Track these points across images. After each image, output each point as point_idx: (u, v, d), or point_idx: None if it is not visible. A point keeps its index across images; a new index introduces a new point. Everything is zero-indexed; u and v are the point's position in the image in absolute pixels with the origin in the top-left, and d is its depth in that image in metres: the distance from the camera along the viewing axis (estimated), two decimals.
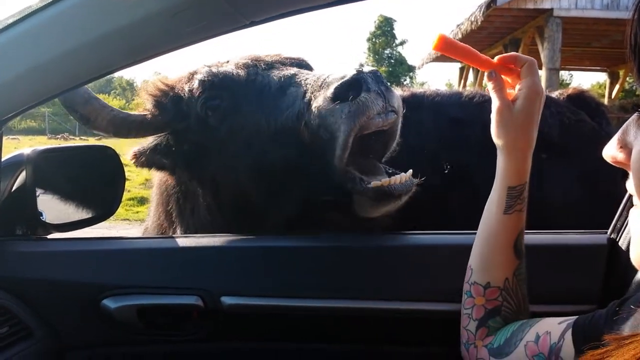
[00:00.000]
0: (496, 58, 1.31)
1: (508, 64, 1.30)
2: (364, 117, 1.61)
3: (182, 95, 2.00)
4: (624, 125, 0.83)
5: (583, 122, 3.00)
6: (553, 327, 1.16)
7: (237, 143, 1.90)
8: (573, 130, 2.93)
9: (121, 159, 1.98)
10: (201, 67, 2.07)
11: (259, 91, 1.90)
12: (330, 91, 1.65)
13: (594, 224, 1.70)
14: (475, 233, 1.41)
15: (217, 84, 1.94)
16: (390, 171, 1.80)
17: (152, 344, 1.71)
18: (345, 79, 1.64)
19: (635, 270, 1.43)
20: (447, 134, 2.92)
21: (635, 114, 0.77)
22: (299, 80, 1.85)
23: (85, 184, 1.98)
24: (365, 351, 1.70)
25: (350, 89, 1.62)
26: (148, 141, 2.06)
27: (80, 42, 1.27)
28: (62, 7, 1.23)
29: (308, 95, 1.75)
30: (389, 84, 1.70)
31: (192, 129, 1.99)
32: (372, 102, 1.61)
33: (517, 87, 1.27)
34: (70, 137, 30.66)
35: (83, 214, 1.87)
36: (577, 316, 1.15)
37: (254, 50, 2.15)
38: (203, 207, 2.03)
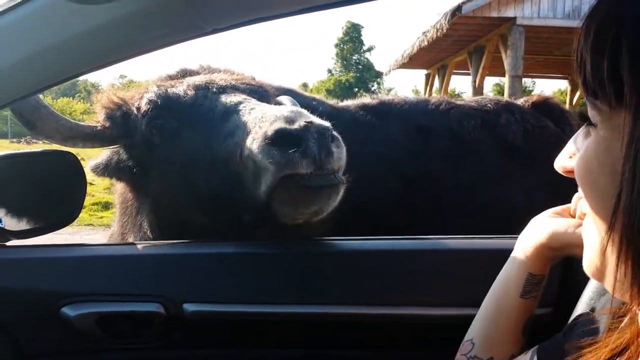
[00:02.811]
0: None
1: None
2: (292, 171, 1.57)
3: (131, 111, 2.04)
4: (574, 135, 0.85)
5: (547, 128, 3.08)
6: None
7: (175, 164, 1.94)
8: (537, 136, 3.00)
9: (82, 163, 1.96)
10: (151, 85, 2.09)
11: (203, 115, 1.91)
12: (270, 131, 1.60)
13: None
14: (449, 238, 1.42)
15: (162, 105, 1.97)
16: None
17: (113, 352, 1.69)
18: (289, 129, 1.58)
19: None
20: (415, 141, 2.97)
21: (584, 125, 0.79)
22: (244, 109, 1.83)
23: (46, 189, 1.94)
24: (334, 356, 1.71)
25: (289, 140, 1.57)
26: (103, 154, 2.10)
27: (46, 45, 1.25)
28: (26, 11, 1.21)
29: (250, 126, 1.72)
30: (333, 147, 1.62)
31: (137, 146, 2.04)
32: (302, 165, 1.56)
33: None
34: (33, 141, 29.96)
35: (43, 221, 1.83)
36: (537, 345, 1.17)
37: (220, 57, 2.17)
38: (146, 223, 2.07)
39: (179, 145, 1.94)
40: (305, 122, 1.59)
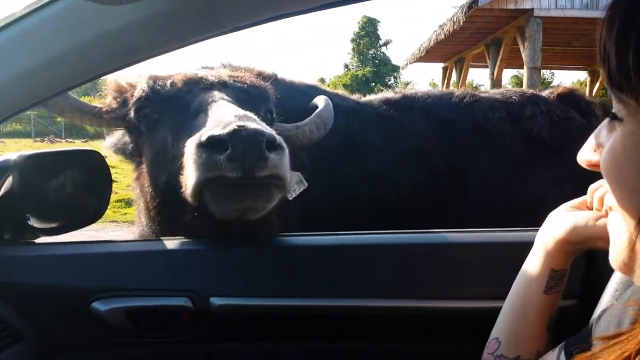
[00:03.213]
0: None
1: None
2: (216, 173, 1.55)
3: (130, 98, 2.12)
4: (597, 129, 0.84)
5: (573, 120, 3.07)
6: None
7: (151, 154, 2.01)
8: (563, 128, 2.99)
9: (107, 162, 1.99)
10: (147, 76, 2.15)
11: (179, 110, 1.94)
12: (205, 136, 1.57)
13: None
14: (468, 231, 1.41)
15: (150, 95, 2.03)
16: None
17: (141, 346, 1.71)
18: (217, 133, 1.54)
19: None
20: (439, 135, 2.98)
21: (608, 118, 0.79)
22: (210, 108, 1.82)
23: (72, 187, 1.98)
24: (361, 348, 1.72)
25: (220, 144, 1.54)
26: (117, 133, 2.27)
27: (68, 47, 1.27)
28: (48, 13, 1.23)
29: (198, 128, 1.71)
30: (271, 154, 1.55)
31: (131, 131, 2.15)
32: (227, 168, 1.53)
33: None
34: (57, 139, 30.39)
35: (70, 218, 1.87)
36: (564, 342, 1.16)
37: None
38: (141, 212, 2.15)
39: (156, 137, 1.99)
40: (236, 126, 1.53)
